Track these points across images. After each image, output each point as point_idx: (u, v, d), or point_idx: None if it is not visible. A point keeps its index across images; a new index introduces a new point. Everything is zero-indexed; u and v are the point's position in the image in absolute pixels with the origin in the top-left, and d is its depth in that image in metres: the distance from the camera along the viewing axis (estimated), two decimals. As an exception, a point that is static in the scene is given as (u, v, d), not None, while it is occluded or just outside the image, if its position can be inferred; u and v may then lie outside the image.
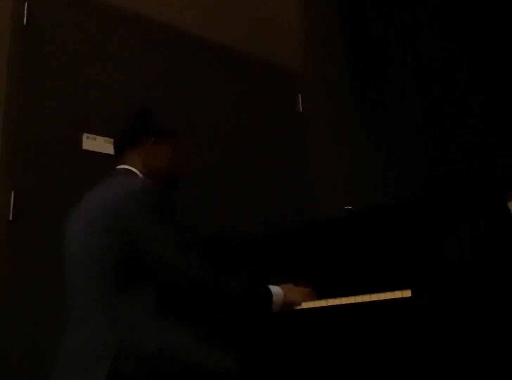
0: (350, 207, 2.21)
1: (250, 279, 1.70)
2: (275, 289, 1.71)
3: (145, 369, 1.49)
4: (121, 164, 1.83)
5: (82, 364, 1.53)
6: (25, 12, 2.48)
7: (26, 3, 2.49)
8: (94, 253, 1.63)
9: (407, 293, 1.54)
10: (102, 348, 1.51)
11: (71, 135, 2.51)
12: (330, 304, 1.69)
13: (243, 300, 1.68)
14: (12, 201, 2.27)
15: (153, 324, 1.56)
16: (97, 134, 2.56)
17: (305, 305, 1.74)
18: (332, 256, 1.96)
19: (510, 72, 4.14)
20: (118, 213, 1.62)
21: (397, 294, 1.55)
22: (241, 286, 1.67)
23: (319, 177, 3.33)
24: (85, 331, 1.58)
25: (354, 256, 1.89)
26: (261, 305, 1.69)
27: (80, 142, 2.52)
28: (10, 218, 2.27)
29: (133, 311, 1.56)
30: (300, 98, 3.44)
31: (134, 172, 1.80)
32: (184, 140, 1.96)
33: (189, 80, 2.95)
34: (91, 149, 2.54)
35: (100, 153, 2.54)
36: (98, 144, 2.56)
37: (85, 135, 2.54)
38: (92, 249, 1.64)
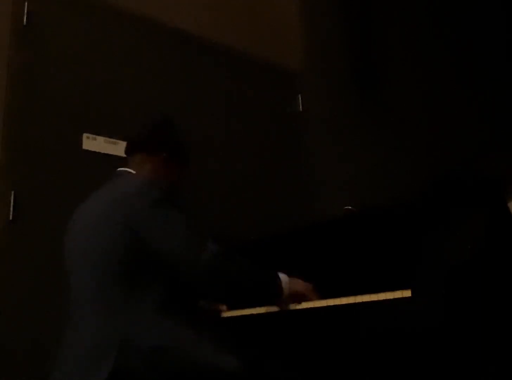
0: (350, 207, 2.21)
1: (257, 266, 1.72)
2: (282, 275, 1.73)
3: (147, 365, 1.50)
4: (125, 166, 1.85)
5: (85, 360, 1.53)
6: (25, 12, 2.48)
7: (26, 3, 2.49)
8: (100, 250, 1.64)
9: (407, 293, 1.54)
10: (105, 344, 1.52)
11: (71, 135, 2.51)
12: (330, 304, 1.69)
13: (254, 283, 1.70)
14: (12, 201, 2.28)
15: (156, 321, 1.56)
16: (97, 134, 2.56)
17: (305, 305, 1.74)
18: (332, 256, 1.96)
19: (510, 72, 4.14)
20: (127, 209, 1.63)
21: (397, 294, 1.55)
22: (251, 270, 1.69)
23: (319, 177, 3.33)
24: (87, 326, 1.59)
25: (354, 256, 1.89)
26: (271, 288, 1.71)
27: (80, 142, 2.52)
28: (10, 218, 2.27)
29: (136, 308, 1.57)
30: (300, 98, 3.44)
31: (136, 174, 1.82)
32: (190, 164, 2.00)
33: (189, 80, 2.95)
34: (91, 149, 2.54)
35: (100, 153, 2.55)
36: (98, 144, 2.56)
37: (85, 135, 2.54)
38: (99, 246, 1.65)
